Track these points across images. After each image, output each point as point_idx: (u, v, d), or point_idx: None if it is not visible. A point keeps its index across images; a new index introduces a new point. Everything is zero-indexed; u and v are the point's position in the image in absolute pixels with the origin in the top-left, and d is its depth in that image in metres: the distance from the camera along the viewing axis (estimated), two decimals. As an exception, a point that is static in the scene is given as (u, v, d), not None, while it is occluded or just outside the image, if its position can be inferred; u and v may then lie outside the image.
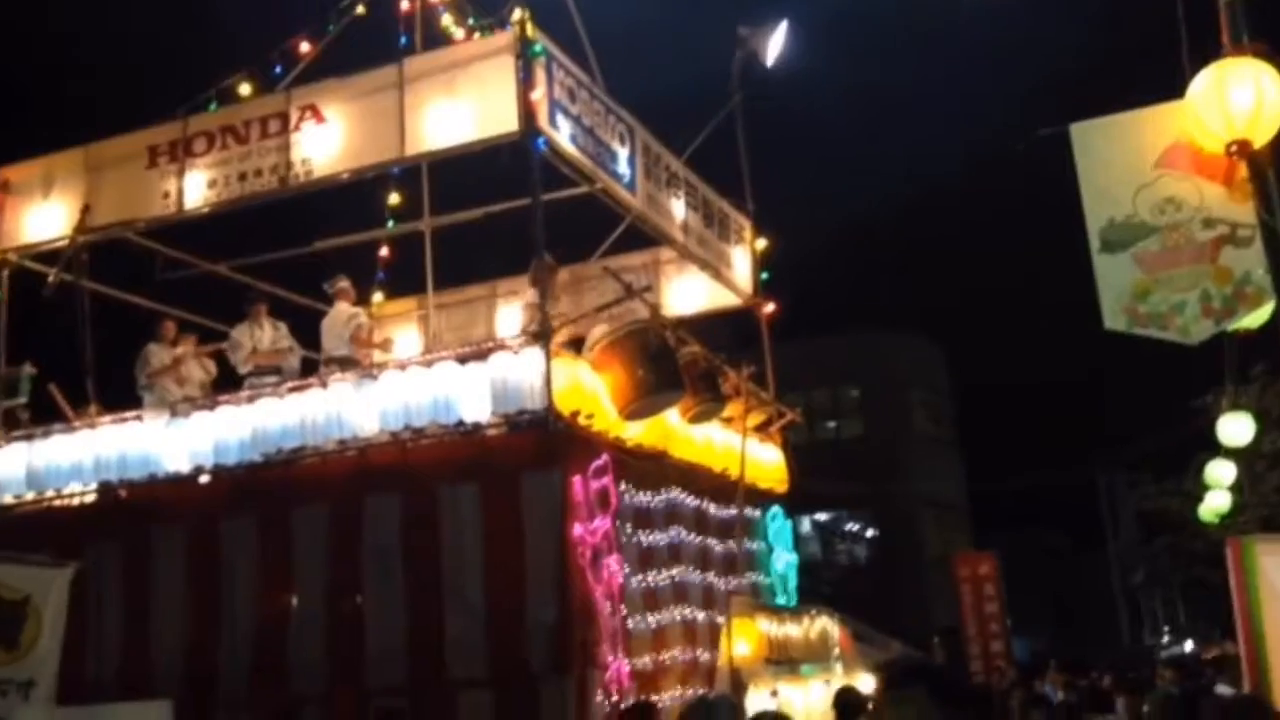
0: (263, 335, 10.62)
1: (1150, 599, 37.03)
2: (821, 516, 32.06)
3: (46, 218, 10.06)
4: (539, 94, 8.51)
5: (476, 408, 8.30)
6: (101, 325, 10.13)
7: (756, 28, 12.24)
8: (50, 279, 10.00)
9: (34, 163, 10.26)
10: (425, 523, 8.16)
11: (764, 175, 12.78)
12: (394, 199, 12.25)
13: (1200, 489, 16.17)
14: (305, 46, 10.54)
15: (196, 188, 9.47)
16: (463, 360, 8.51)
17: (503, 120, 8.52)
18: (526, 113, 8.42)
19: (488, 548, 7.96)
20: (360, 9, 10.92)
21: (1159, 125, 6.69)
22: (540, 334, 8.24)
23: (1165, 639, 34.94)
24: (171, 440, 9.26)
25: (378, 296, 13.21)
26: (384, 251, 12.97)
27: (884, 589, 27.40)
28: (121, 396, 10.35)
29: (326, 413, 8.73)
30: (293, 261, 12.32)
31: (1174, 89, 6.42)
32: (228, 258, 11.97)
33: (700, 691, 8.48)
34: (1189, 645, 29.92)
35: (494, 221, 11.75)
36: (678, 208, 10.71)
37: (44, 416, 10.23)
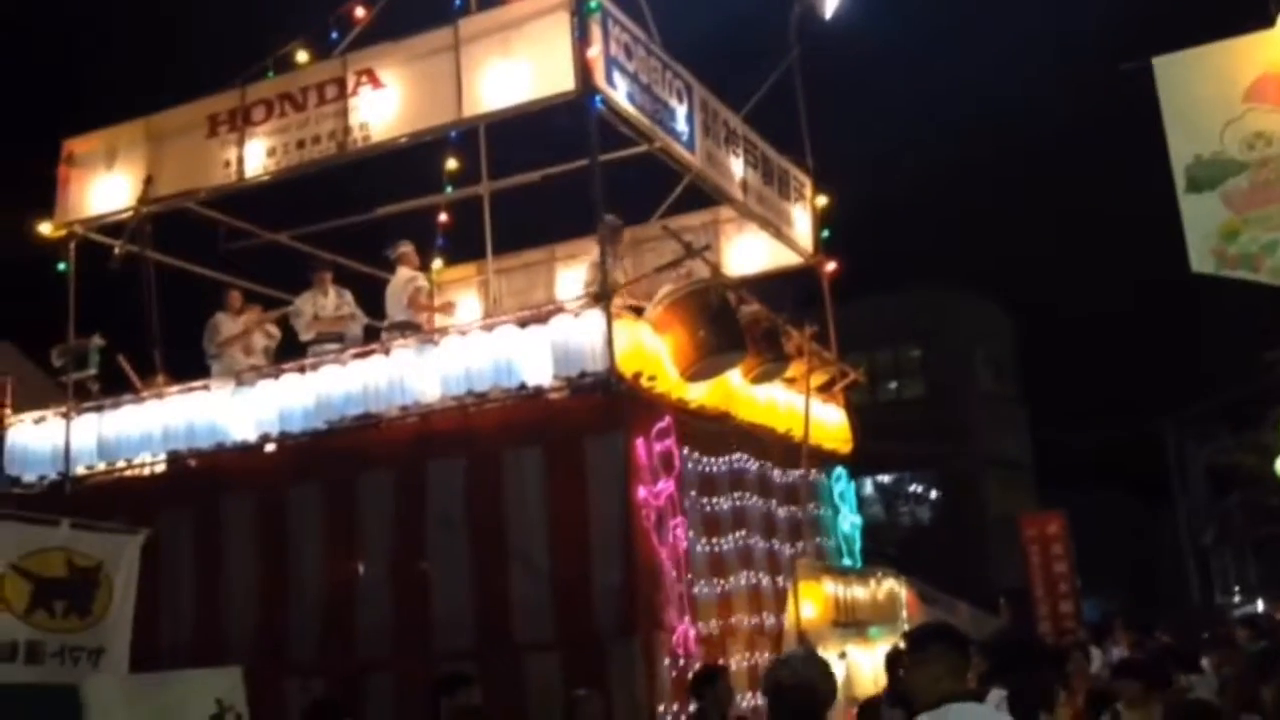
0: (325, 303, 10.66)
1: (1221, 558, 36.35)
2: (885, 478, 31.80)
3: (110, 189, 10.13)
4: (595, 51, 8.37)
5: (538, 371, 8.26)
6: (167, 296, 10.22)
7: (814, -21, 11.96)
8: (116, 251, 10.08)
9: (96, 135, 10.33)
10: (489, 487, 8.14)
11: (824, 130, 12.53)
12: (451, 163, 12.20)
13: (1278, 443, 15.79)
14: (360, 11, 10.49)
15: (256, 156, 9.47)
16: (523, 323, 8.46)
17: (559, 79, 8.39)
18: (583, 71, 8.28)
19: (552, 511, 7.93)
20: (414, -28, 10.83)
21: (1247, 56, 6.32)
22: (601, 295, 8.15)
23: (1236, 598, 34.29)
24: (238, 409, 9.33)
25: (437, 263, 13.19)
26: (443, 217, 12.94)
27: (949, 550, 27.12)
28: (188, 366, 10.46)
29: (389, 379, 8.73)
30: (354, 229, 12.34)
31: (1262, 17, 6.13)
32: (289, 226, 12.02)
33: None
34: (1260, 605, 29.34)
35: (552, 184, 11.66)
36: (737, 166, 10.54)
37: (113, 387, 10.36)
